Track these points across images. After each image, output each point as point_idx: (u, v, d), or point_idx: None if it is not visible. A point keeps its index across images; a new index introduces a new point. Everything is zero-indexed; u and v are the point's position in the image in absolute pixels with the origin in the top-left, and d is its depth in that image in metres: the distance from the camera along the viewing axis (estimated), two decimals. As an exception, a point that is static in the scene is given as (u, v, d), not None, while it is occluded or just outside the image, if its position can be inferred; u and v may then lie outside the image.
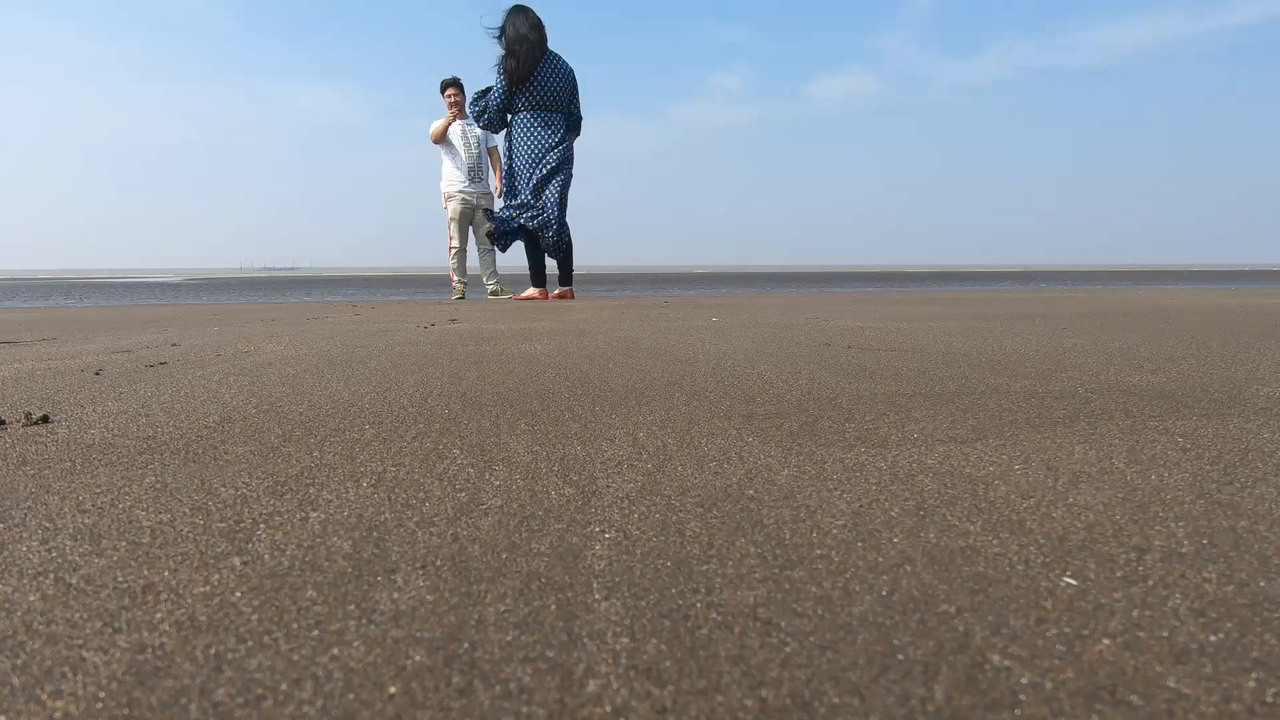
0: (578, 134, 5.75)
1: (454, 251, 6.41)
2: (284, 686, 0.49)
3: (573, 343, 2.58)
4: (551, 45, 5.49)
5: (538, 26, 5.39)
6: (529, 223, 5.60)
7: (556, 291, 6.12)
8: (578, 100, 5.65)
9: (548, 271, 6.09)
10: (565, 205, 5.67)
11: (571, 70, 5.56)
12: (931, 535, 0.74)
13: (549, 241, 5.70)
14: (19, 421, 1.30)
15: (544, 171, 5.52)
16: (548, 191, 5.56)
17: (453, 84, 6.16)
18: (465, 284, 6.56)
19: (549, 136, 5.50)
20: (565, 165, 5.61)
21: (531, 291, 5.97)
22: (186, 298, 9.52)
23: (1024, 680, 0.48)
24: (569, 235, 5.79)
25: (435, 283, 17.23)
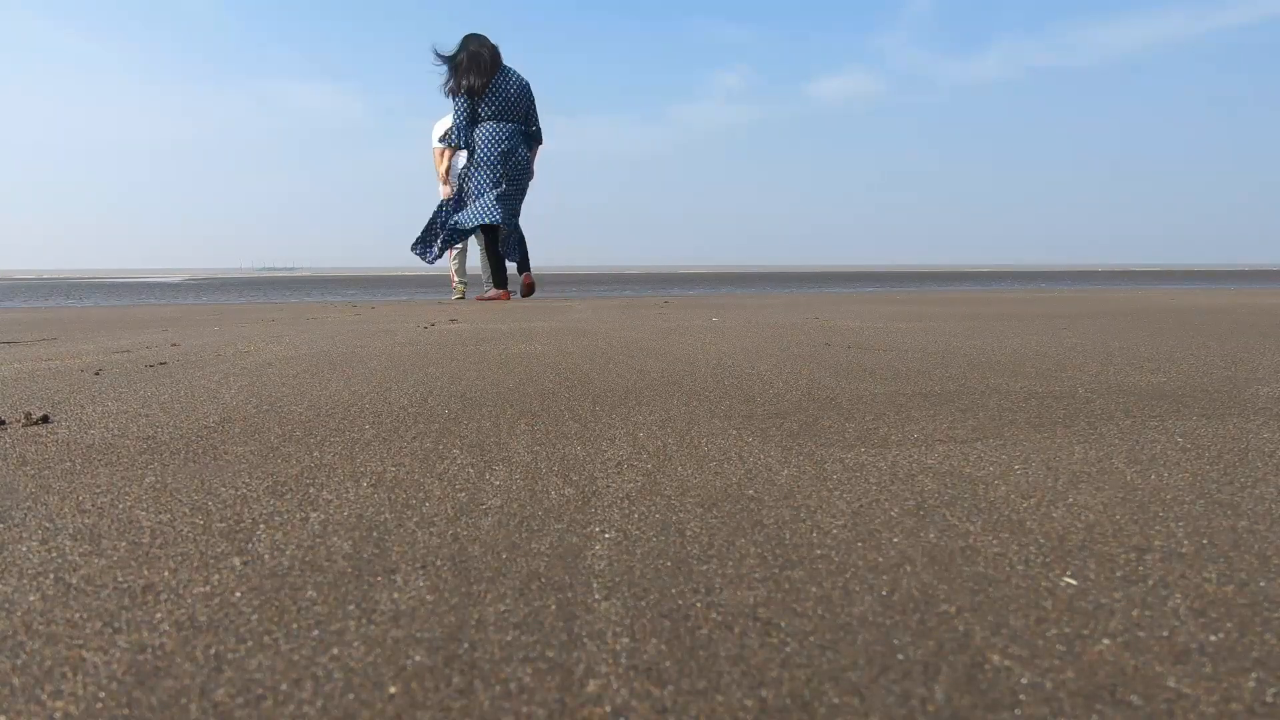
0: (539, 143, 5.93)
1: (454, 252, 6.42)
2: (284, 686, 0.49)
3: (573, 343, 2.58)
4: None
5: (492, 48, 5.62)
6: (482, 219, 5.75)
7: (522, 278, 6.17)
8: (535, 112, 5.82)
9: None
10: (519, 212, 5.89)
11: (527, 84, 5.75)
12: (931, 535, 0.74)
13: (506, 245, 5.90)
14: (19, 421, 1.30)
15: (502, 179, 5.72)
16: (506, 200, 5.76)
17: None
18: (465, 284, 6.57)
19: (504, 143, 5.69)
20: (522, 175, 5.81)
21: (494, 292, 6.01)
22: (186, 298, 9.52)
23: (1024, 680, 0.48)
24: (520, 233, 5.94)
25: (435, 283, 17.23)
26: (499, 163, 5.64)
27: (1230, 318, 3.55)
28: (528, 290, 6.14)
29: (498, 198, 5.65)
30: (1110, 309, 4.40)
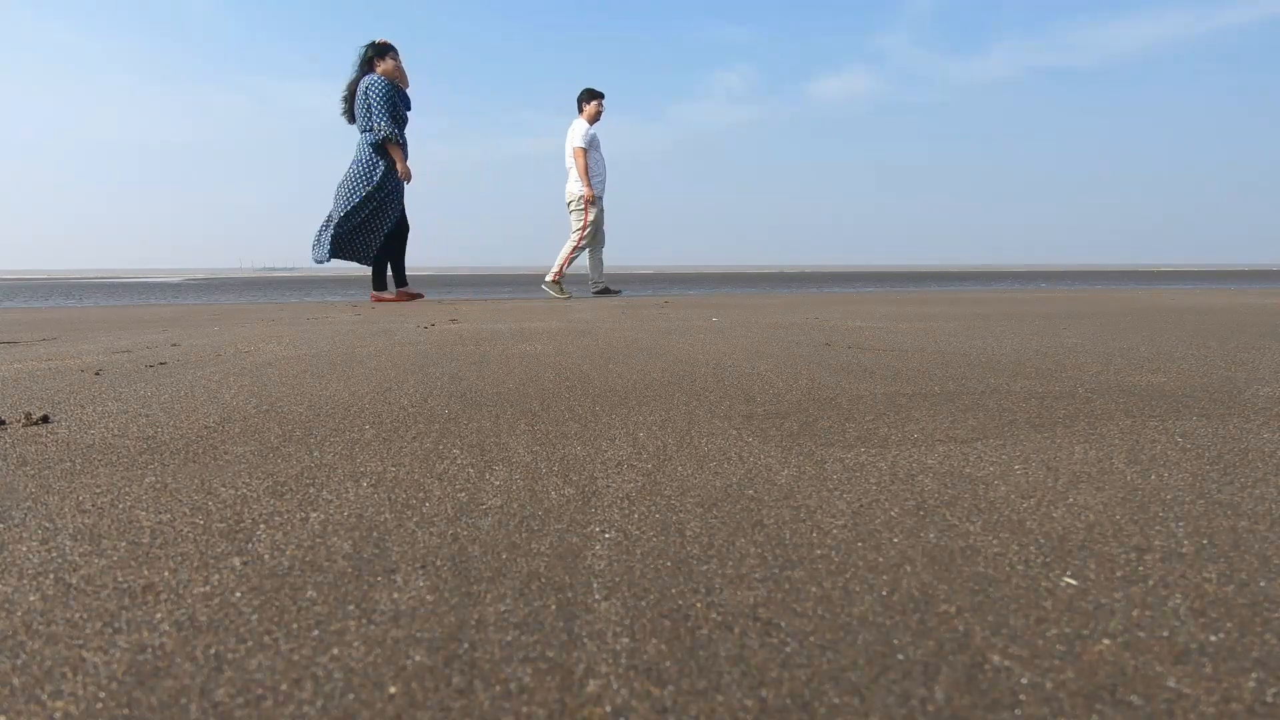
0: (383, 140, 5.83)
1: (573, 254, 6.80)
2: (284, 686, 0.49)
3: (573, 343, 2.58)
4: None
5: (366, 58, 5.78)
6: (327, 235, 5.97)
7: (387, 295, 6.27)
8: (373, 114, 5.79)
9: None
10: (362, 220, 5.87)
11: (368, 85, 5.76)
12: (931, 535, 0.74)
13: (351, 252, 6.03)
14: (19, 421, 1.30)
15: (343, 192, 5.90)
16: (335, 210, 5.92)
17: (601, 95, 6.71)
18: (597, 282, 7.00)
19: (354, 153, 5.90)
20: (354, 183, 5.88)
21: (379, 294, 6.22)
22: (186, 298, 9.52)
23: (1024, 680, 0.48)
24: (360, 247, 5.96)
25: (434, 283, 17.22)
26: (347, 175, 5.88)
27: (1230, 318, 3.55)
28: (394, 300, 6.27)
29: (341, 211, 5.86)
30: (1110, 309, 4.40)
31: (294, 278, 32.22)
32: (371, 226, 5.87)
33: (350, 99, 5.80)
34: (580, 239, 6.69)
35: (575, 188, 6.66)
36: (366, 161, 5.78)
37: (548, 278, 6.80)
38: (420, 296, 6.37)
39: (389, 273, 6.15)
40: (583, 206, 6.66)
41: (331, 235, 5.83)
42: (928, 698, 0.47)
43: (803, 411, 1.35)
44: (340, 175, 5.89)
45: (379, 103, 5.66)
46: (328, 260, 5.93)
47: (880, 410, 1.35)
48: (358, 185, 5.80)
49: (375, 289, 6.14)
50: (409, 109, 5.95)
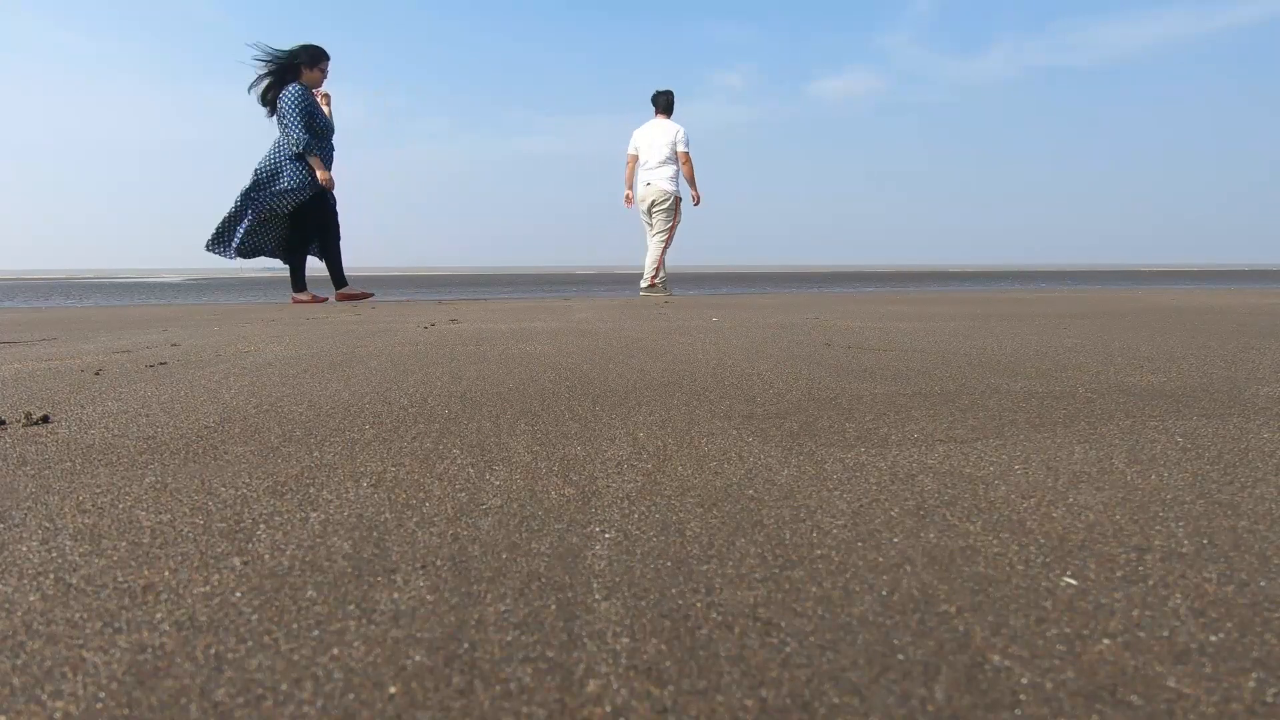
0: (296, 150, 5.79)
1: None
2: (284, 686, 0.49)
3: (573, 343, 2.58)
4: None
5: (279, 67, 5.75)
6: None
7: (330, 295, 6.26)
8: (286, 121, 5.76)
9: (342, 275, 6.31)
10: (264, 217, 5.87)
11: (282, 96, 5.74)
12: (931, 535, 0.74)
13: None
14: (19, 421, 1.30)
15: (255, 192, 5.88)
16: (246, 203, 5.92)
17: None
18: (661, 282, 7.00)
19: (264, 160, 5.88)
20: (262, 182, 5.86)
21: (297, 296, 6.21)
22: (186, 298, 9.52)
23: (1024, 680, 0.48)
24: (246, 240, 5.93)
25: (435, 283, 17.23)
26: (257, 178, 5.85)
27: (1230, 318, 3.55)
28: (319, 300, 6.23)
29: (253, 212, 5.84)
30: (1110, 309, 4.40)
31: (294, 278, 32.09)
32: (284, 223, 5.90)
33: (271, 101, 5.73)
34: (669, 239, 6.72)
35: (670, 186, 6.62)
36: (288, 169, 5.76)
37: (643, 285, 6.84)
38: (367, 296, 6.35)
39: (341, 277, 6.17)
40: (674, 206, 6.65)
41: (245, 229, 5.82)
42: (928, 698, 0.47)
43: (803, 411, 1.35)
44: (261, 163, 5.81)
45: (291, 112, 5.63)
46: (236, 257, 5.89)
47: (880, 410, 1.35)
48: (277, 198, 5.80)
49: (295, 290, 6.15)
50: (329, 131, 5.90)
